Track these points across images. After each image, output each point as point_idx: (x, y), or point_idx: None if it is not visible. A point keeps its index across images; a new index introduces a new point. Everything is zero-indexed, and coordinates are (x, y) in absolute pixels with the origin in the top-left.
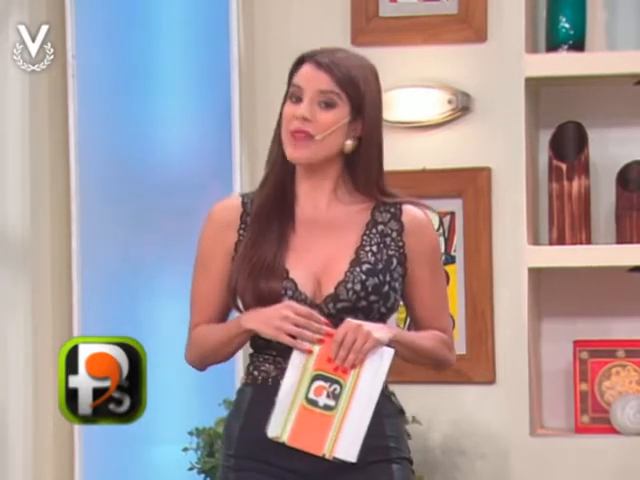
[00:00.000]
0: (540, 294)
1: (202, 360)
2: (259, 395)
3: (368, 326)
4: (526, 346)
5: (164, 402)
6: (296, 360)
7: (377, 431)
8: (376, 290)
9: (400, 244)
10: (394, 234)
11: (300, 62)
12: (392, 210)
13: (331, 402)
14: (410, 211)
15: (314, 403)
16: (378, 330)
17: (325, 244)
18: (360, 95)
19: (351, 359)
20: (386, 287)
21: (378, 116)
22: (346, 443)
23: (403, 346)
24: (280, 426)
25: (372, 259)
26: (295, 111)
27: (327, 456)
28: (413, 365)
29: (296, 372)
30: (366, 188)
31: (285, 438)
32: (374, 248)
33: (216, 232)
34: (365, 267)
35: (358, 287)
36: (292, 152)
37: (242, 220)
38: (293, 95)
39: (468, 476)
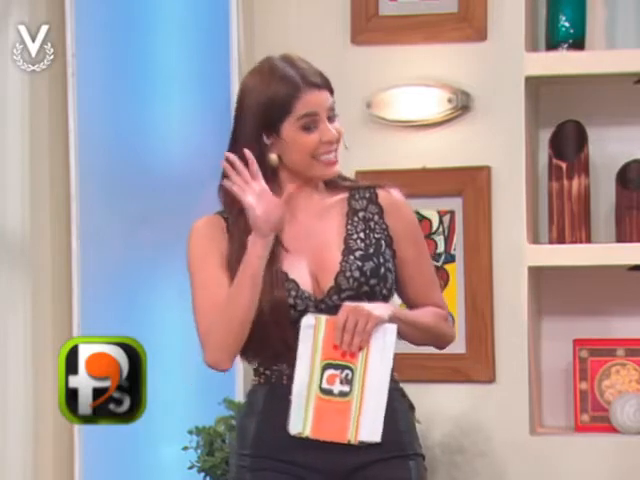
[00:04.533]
0: (540, 293)
1: (227, 341)
2: (274, 394)
3: (367, 306)
4: (526, 345)
5: (164, 401)
6: (303, 354)
7: (391, 426)
8: (374, 273)
9: (384, 226)
10: (376, 217)
11: (297, 90)
12: (367, 195)
13: (345, 388)
14: (385, 193)
15: (329, 392)
16: (377, 308)
17: (313, 241)
18: (333, 92)
19: (356, 342)
20: (382, 269)
21: None
22: (368, 425)
23: (403, 322)
24: (300, 422)
25: (362, 245)
26: (320, 137)
27: (352, 441)
28: (412, 364)
29: (305, 366)
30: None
31: (307, 432)
32: (361, 235)
33: (207, 241)
34: (358, 254)
35: (357, 274)
36: (330, 171)
37: (229, 233)
38: (307, 125)
39: (468, 475)
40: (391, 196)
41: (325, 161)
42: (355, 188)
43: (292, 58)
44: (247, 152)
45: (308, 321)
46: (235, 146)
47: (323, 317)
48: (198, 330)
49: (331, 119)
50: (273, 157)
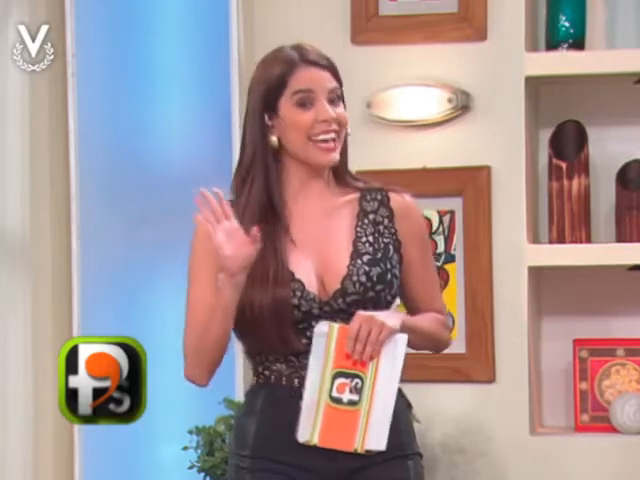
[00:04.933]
0: (540, 293)
1: (202, 361)
2: (274, 395)
3: (380, 316)
4: (526, 345)
5: (164, 401)
6: (315, 361)
7: (392, 427)
8: (381, 279)
9: (393, 231)
10: (386, 221)
11: (293, 66)
12: (379, 197)
13: (355, 397)
14: (397, 196)
15: (338, 401)
16: (389, 318)
17: (321, 240)
18: (342, 82)
19: (368, 352)
20: (389, 275)
21: None
22: (375, 434)
23: (410, 331)
24: (309, 430)
25: (370, 249)
26: (316, 115)
27: (359, 450)
28: (412, 364)
29: (317, 374)
30: (342, 176)
31: (316, 440)
32: (370, 238)
33: (207, 243)
34: (366, 258)
35: (364, 279)
36: (326, 157)
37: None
38: (302, 101)
39: (467, 475)
40: (403, 200)
41: (322, 146)
42: (367, 189)
43: (300, 44)
44: (219, 191)
45: (321, 328)
46: (243, 134)
47: (336, 325)
48: (183, 344)
49: (333, 102)
50: (273, 139)
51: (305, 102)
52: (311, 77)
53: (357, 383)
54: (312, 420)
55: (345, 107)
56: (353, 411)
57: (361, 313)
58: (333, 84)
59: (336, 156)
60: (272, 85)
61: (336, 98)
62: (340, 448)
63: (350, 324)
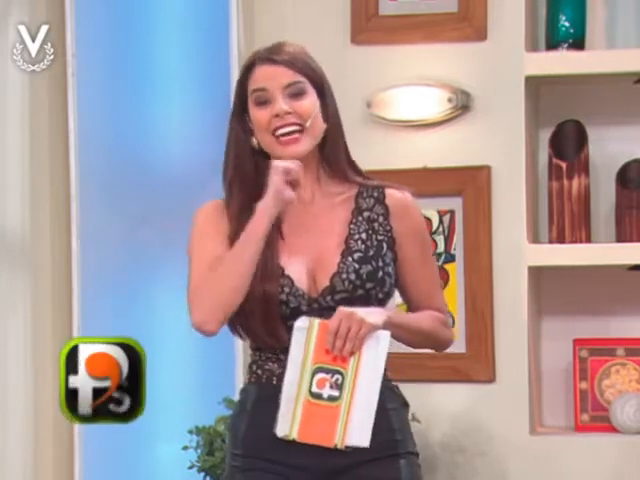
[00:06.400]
0: (540, 293)
1: (218, 303)
2: (264, 394)
3: (361, 312)
4: (526, 345)
5: (164, 400)
6: (294, 356)
7: (383, 425)
8: (371, 277)
9: (388, 228)
10: (381, 218)
11: (251, 66)
12: (375, 194)
13: (335, 392)
14: (394, 193)
15: (318, 396)
16: (371, 314)
17: (314, 237)
18: (320, 79)
19: (348, 347)
20: (380, 273)
21: (334, 98)
22: (356, 430)
23: (399, 328)
24: (288, 424)
25: (362, 247)
26: (271, 111)
27: (339, 446)
28: (412, 364)
29: (296, 368)
30: (340, 171)
31: (294, 435)
32: (363, 235)
33: (207, 223)
34: (357, 256)
35: (353, 276)
36: (287, 150)
37: (230, 222)
38: (258, 100)
39: (467, 475)
40: (399, 197)
41: (282, 140)
42: (365, 186)
43: (277, 42)
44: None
45: (301, 323)
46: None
47: (316, 320)
48: (188, 289)
49: (295, 96)
50: (253, 140)
51: (263, 100)
52: (264, 75)
53: (337, 379)
54: (291, 415)
55: (324, 100)
56: (333, 407)
57: (342, 309)
58: (291, 78)
59: (298, 149)
60: (238, 88)
61: (299, 92)
62: (320, 443)
63: (330, 320)
